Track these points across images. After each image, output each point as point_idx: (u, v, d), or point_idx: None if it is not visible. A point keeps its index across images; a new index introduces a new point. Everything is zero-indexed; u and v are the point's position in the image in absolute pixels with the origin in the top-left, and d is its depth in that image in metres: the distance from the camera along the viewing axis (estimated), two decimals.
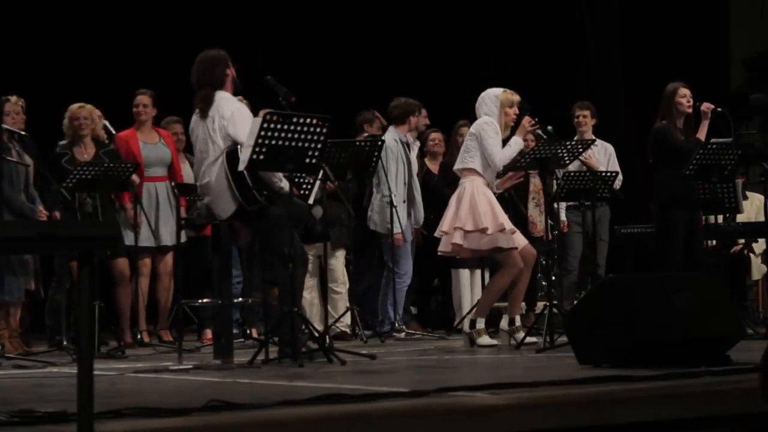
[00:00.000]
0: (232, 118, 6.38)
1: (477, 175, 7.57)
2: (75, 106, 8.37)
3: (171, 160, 8.78)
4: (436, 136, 10.04)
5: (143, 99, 8.82)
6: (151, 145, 8.73)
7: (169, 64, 11.05)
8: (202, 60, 6.64)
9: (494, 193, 7.65)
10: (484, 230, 7.43)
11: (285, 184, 6.36)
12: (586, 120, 9.48)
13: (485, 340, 7.55)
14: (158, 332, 8.86)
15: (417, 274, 9.68)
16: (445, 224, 7.60)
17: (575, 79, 13.50)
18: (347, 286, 9.06)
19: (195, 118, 6.59)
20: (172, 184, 8.46)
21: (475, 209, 7.46)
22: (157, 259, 8.74)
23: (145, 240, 8.51)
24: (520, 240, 7.59)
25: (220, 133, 6.42)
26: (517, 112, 7.65)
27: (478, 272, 9.39)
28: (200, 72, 6.60)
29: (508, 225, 7.51)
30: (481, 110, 7.67)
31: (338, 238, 8.86)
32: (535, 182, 9.77)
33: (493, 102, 7.64)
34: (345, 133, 9.12)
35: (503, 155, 7.56)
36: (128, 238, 8.31)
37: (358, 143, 8.61)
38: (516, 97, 7.66)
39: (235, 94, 6.66)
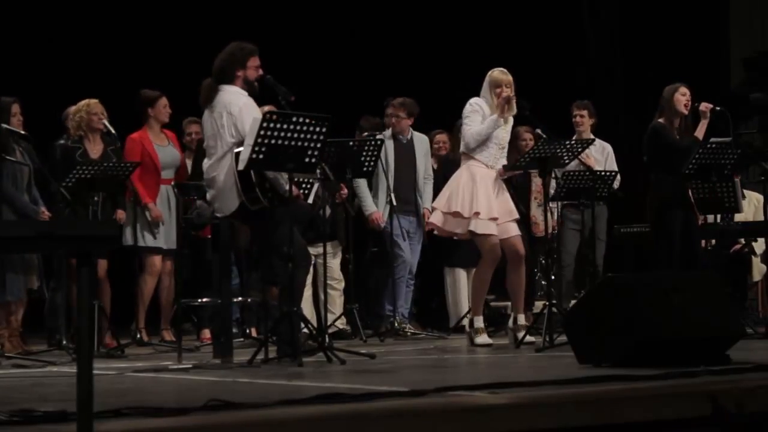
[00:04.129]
0: (240, 114, 6.37)
1: (469, 158, 7.57)
2: (92, 101, 8.37)
3: (180, 163, 8.80)
4: (440, 138, 10.05)
5: (166, 100, 8.79)
6: (163, 147, 8.73)
7: (169, 65, 11.09)
8: (224, 52, 6.60)
9: (502, 176, 7.58)
10: (456, 214, 7.46)
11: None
12: (583, 120, 9.48)
13: (482, 339, 7.54)
14: (161, 333, 8.82)
15: (417, 274, 9.68)
16: (435, 202, 7.75)
17: (575, 79, 13.49)
18: (343, 283, 9.09)
19: (206, 112, 6.59)
20: (172, 184, 8.45)
21: (454, 192, 7.51)
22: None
23: (158, 241, 8.50)
24: (503, 231, 7.49)
25: (228, 129, 6.42)
26: (506, 92, 7.49)
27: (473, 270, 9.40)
28: (215, 64, 6.58)
29: (488, 212, 7.42)
30: (482, 92, 7.67)
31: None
32: (537, 182, 9.77)
33: (486, 82, 7.62)
34: (345, 133, 9.14)
35: (472, 131, 7.50)
36: (133, 238, 8.35)
37: (357, 143, 8.61)
38: (504, 77, 7.54)
39: (251, 95, 6.60)
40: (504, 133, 7.60)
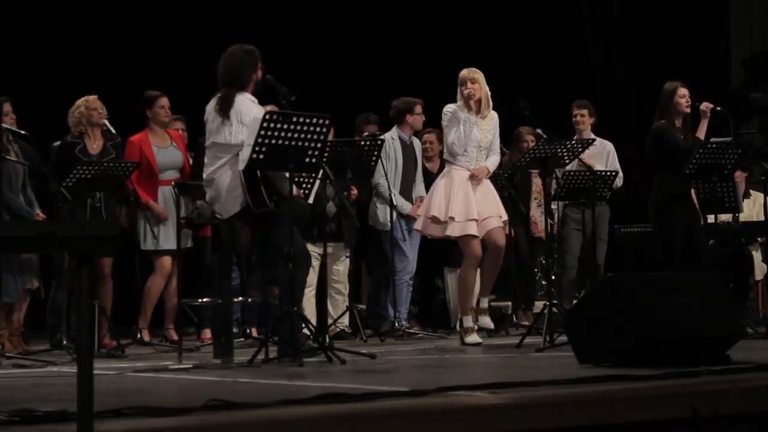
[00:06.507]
0: (252, 125, 6.35)
1: (450, 163, 7.64)
2: (91, 97, 8.34)
3: (183, 164, 8.74)
4: (428, 137, 9.95)
5: (166, 101, 8.73)
6: (164, 149, 8.67)
7: (169, 64, 11.09)
8: (231, 56, 6.56)
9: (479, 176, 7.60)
10: (434, 219, 7.57)
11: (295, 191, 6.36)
12: (584, 119, 9.51)
13: (472, 338, 7.59)
14: (165, 332, 8.80)
15: (417, 273, 9.68)
16: (420, 208, 7.89)
17: (575, 78, 13.49)
18: (348, 289, 9.10)
19: (212, 114, 6.52)
20: (172, 184, 8.41)
21: (432, 197, 7.63)
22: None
23: (167, 242, 8.44)
24: (484, 226, 7.54)
25: (235, 135, 6.40)
26: (468, 90, 7.54)
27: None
28: (226, 70, 6.53)
29: (465, 215, 7.47)
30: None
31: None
32: (538, 182, 9.76)
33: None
34: (345, 133, 9.14)
35: (451, 140, 7.57)
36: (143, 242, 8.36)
37: (358, 143, 8.61)
38: (468, 74, 7.58)
39: (255, 93, 6.61)
40: (482, 134, 7.60)
